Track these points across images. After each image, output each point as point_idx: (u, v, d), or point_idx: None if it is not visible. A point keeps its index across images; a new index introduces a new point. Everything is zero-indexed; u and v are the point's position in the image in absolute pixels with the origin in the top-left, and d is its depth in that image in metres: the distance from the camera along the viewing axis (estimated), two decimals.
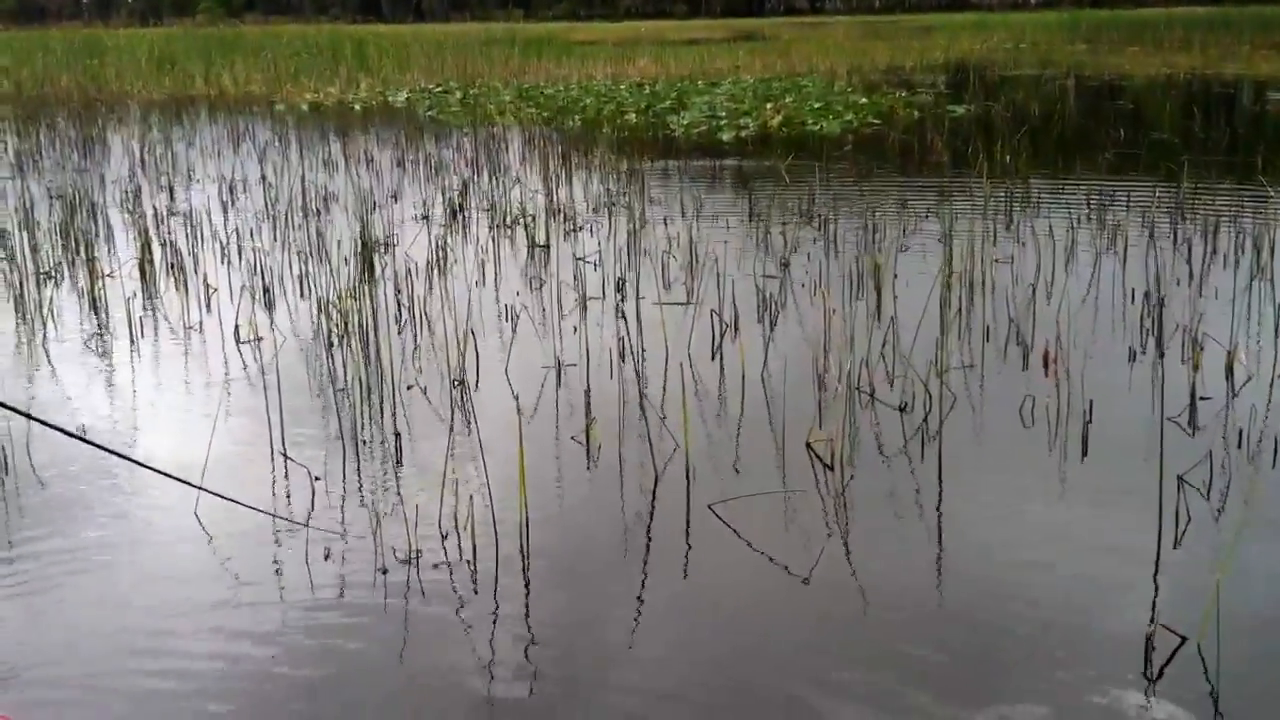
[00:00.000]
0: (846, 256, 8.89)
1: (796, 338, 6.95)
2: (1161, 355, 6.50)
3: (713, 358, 6.72)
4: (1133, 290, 7.61)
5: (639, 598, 4.13)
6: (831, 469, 5.06)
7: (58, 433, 3.54)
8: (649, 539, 4.56)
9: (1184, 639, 3.65)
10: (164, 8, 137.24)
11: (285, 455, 5.29)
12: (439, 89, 26.95)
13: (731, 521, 4.59)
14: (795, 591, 4.14)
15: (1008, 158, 12.88)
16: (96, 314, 7.97)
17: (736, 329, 7.13)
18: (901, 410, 5.72)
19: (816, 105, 20.53)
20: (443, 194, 12.67)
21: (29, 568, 4.44)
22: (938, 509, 4.76)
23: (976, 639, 3.80)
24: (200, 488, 4.36)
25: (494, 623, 4.01)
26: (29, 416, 3.49)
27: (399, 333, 7.34)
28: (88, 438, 3.24)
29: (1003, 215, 10.39)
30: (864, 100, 21.29)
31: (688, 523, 4.65)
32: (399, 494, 4.85)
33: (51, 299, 8.31)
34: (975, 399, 5.94)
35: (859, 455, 5.21)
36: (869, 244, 9.15)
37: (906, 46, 39.98)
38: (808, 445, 5.28)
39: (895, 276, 7.95)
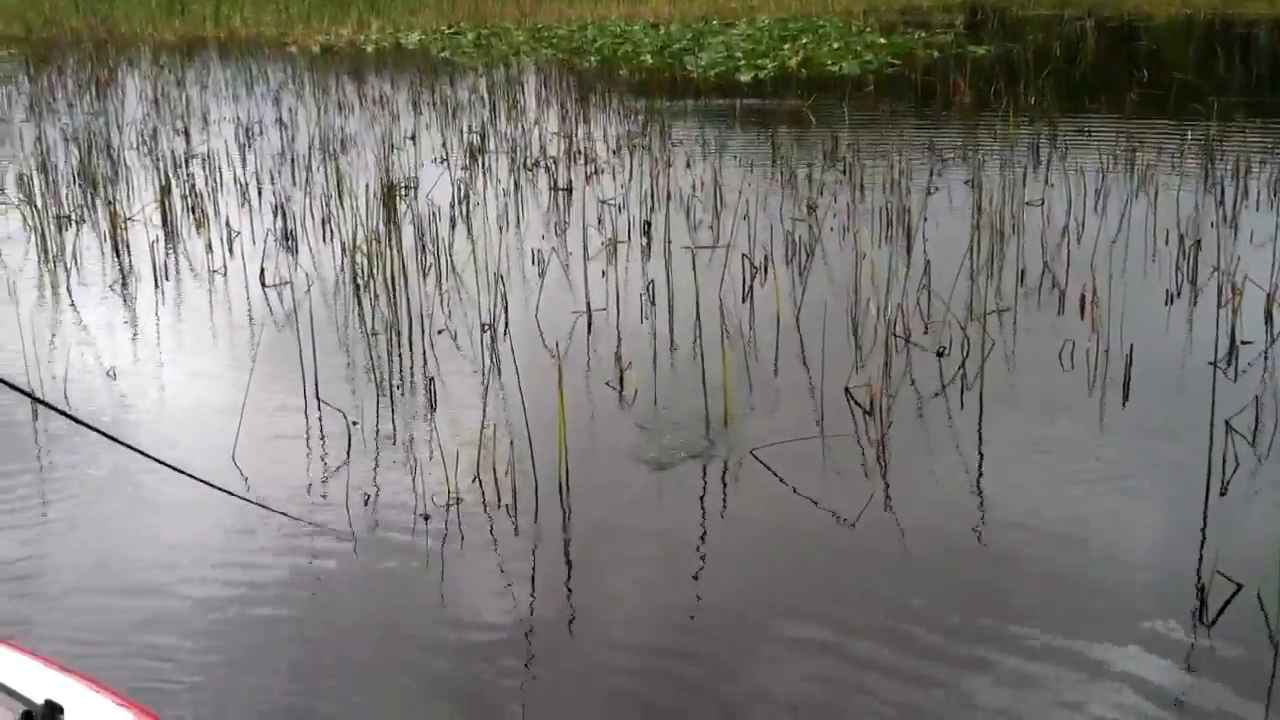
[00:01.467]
0: (874, 199, 8.78)
1: (828, 281, 6.88)
2: (1197, 299, 6.42)
3: (743, 301, 6.66)
4: (1166, 232, 7.51)
5: (682, 542, 4.10)
6: (871, 414, 5.01)
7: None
8: (690, 484, 4.52)
9: (1239, 586, 3.60)
10: None
11: (320, 400, 5.25)
12: (450, 30, 26.67)
13: (774, 466, 4.55)
14: (838, 535, 4.11)
15: (1032, 99, 12.72)
16: (119, 258, 7.92)
17: (767, 272, 7.05)
18: (939, 355, 5.66)
19: (835, 46, 20.28)
20: (461, 136, 12.55)
21: (63, 504, 4.42)
22: (978, 453, 4.71)
23: (1020, 583, 3.77)
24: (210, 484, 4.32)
25: (534, 567, 3.99)
26: (35, 399, 3.41)
27: (425, 276, 7.27)
28: (95, 427, 3.19)
29: (1030, 157, 10.26)
30: (882, 41, 21.02)
31: (728, 467, 4.61)
32: (436, 439, 4.80)
33: (74, 243, 8.25)
34: (1012, 343, 5.88)
35: (898, 400, 5.16)
36: (896, 186, 9.04)
37: None
38: (846, 390, 5.22)
39: (925, 219, 7.86)
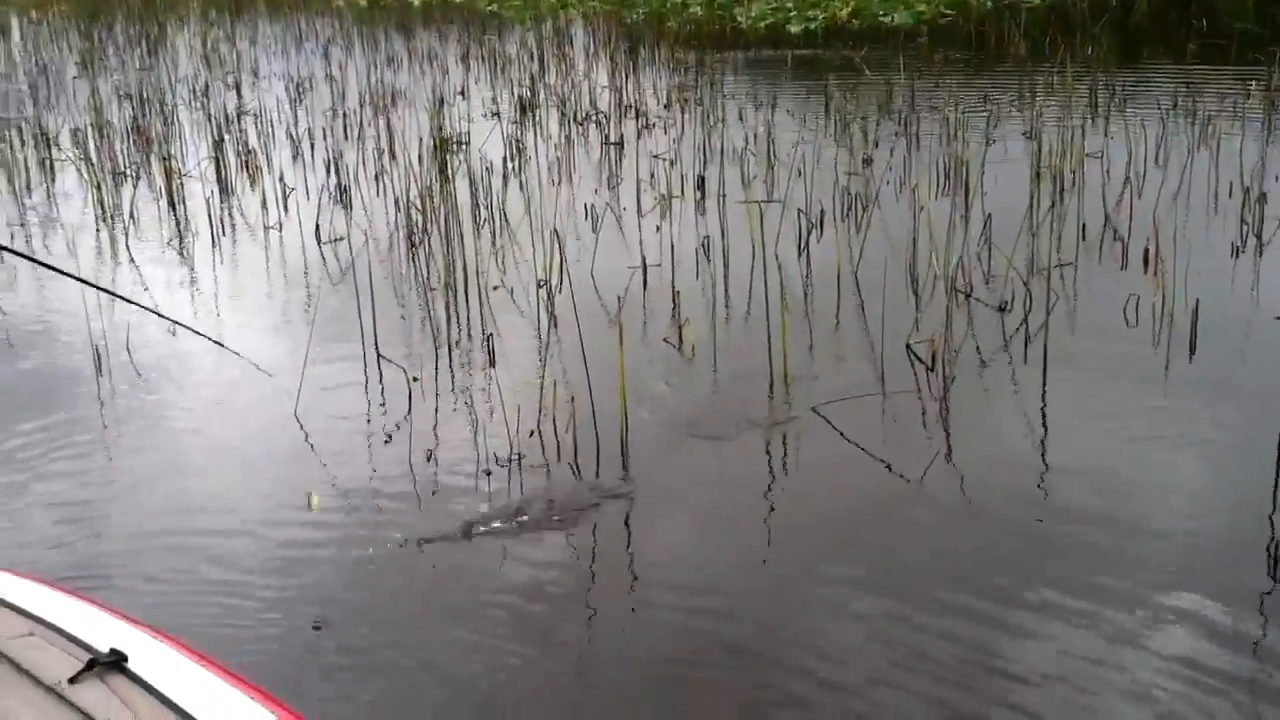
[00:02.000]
0: (930, 152, 8.67)
1: (885, 236, 6.80)
2: (1263, 251, 6.31)
3: (800, 256, 6.60)
4: (1230, 184, 7.37)
5: (743, 499, 4.09)
6: (933, 370, 4.96)
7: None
8: (752, 440, 4.50)
9: None
10: None
11: (380, 356, 5.26)
12: None
13: (836, 423, 4.52)
14: (902, 492, 4.09)
15: (1089, 49, 12.51)
16: (175, 214, 7.96)
17: (823, 227, 6.99)
18: (1001, 310, 5.59)
19: None
20: (511, 90, 12.51)
21: (129, 453, 4.47)
22: (1042, 409, 4.67)
23: (1085, 539, 3.73)
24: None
25: (596, 523, 4.00)
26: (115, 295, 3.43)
27: (479, 232, 7.26)
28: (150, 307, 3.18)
29: (1088, 109, 10.09)
30: None
31: (790, 424, 4.59)
32: (496, 395, 4.80)
33: (130, 199, 8.30)
34: (1075, 298, 5.80)
35: (960, 355, 5.10)
36: (953, 139, 8.92)
37: None
38: (907, 346, 5.18)
39: (983, 172, 7.74)
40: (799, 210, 7.01)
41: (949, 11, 18.26)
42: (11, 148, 9.88)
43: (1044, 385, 4.84)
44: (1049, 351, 5.06)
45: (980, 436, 4.50)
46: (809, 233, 6.88)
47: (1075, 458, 4.26)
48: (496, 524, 3.93)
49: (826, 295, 5.95)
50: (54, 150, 9.78)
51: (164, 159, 8.89)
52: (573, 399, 4.52)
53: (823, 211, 7.14)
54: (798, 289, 6.06)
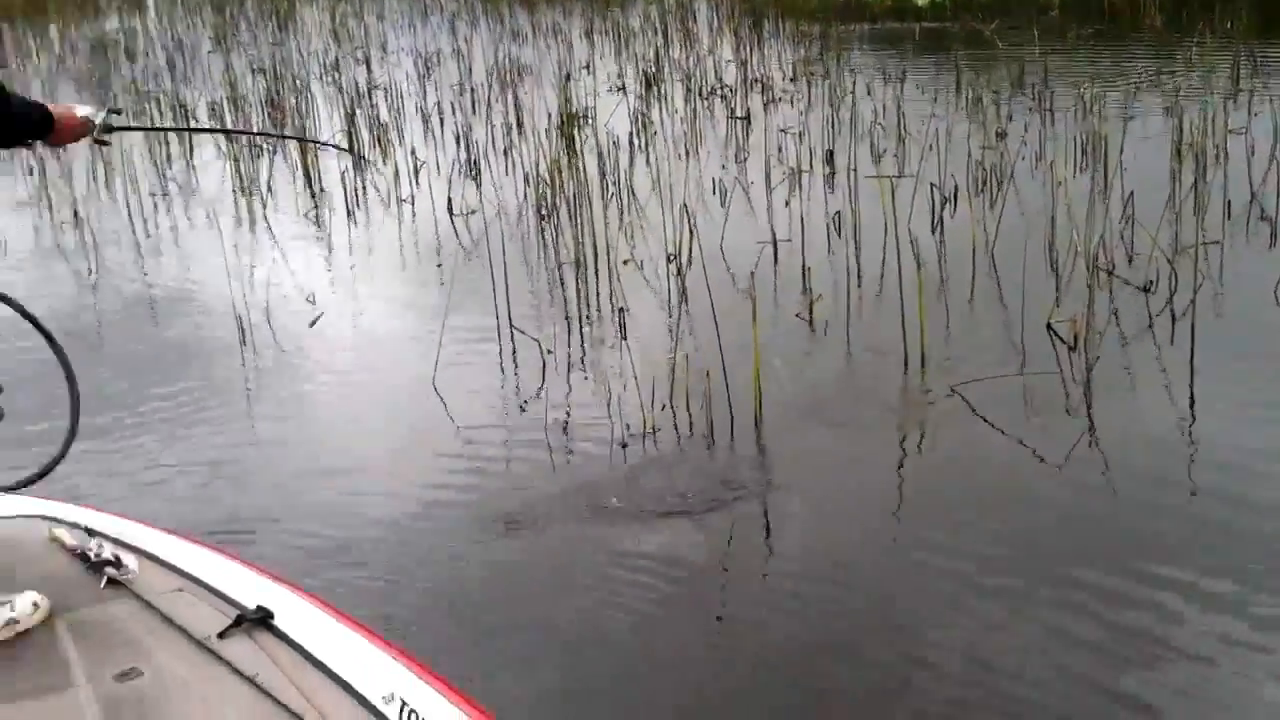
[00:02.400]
0: (1066, 126, 8.46)
1: (1021, 212, 6.65)
2: None
3: (933, 232, 6.50)
4: None
5: (880, 478, 4.05)
6: (1075, 350, 4.85)
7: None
8: (889, 419, 4.46)
9: None
10: None
11: (514, 328, 5.31)
12: None
13: (975, 403, 4.45)
14: (1044, 474, 4.01)
15: (1228, 23, 12.08)
16: (310, 186, 8.10)
17: (956, 202, 6.88)
18: (1145, 289, 5.45)
19: None
20: (635, 64, 12.51)
21: (273, 419, 4.58)
22: (1189, 391, 4.53)
23: (1233, 524, 3.62)
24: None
25: (733, 500, 3.98)
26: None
27: (607, 206, 7.27)
28: None
29: (1229, 83, 9.76)
30: None
31: (928, 403, 4.53)
32: (629, 368, 4.81)
33: (267, 171, 8.47)
34: (1222, 277, 5.62)
35: (1103, 336, 4.97)
36: (1089, 113, 8.69)
37: None
38: (1048, 325, 5.07)
39: (1121, 148, 7.53)
40: (932, 185, 6.89)
41: None
42: (151, 120, 10.14)
43: (1191, 367, 4.70)
44: (1195, 332, 4.91)
45: (1125, 419, 4.39)
46: (942, 208, 6.77)
47: (1223, 441, 4.13)
48: (631, 497, 3.95)
49: (962, 272, 5.85)
50: (192, 122, 10.02)
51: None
52: (707, 374, 4.50)
53: (956, 187, 7.02)
54: (932, 265, 5.96)
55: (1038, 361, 4.78)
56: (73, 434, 3.61)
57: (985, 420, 4.35)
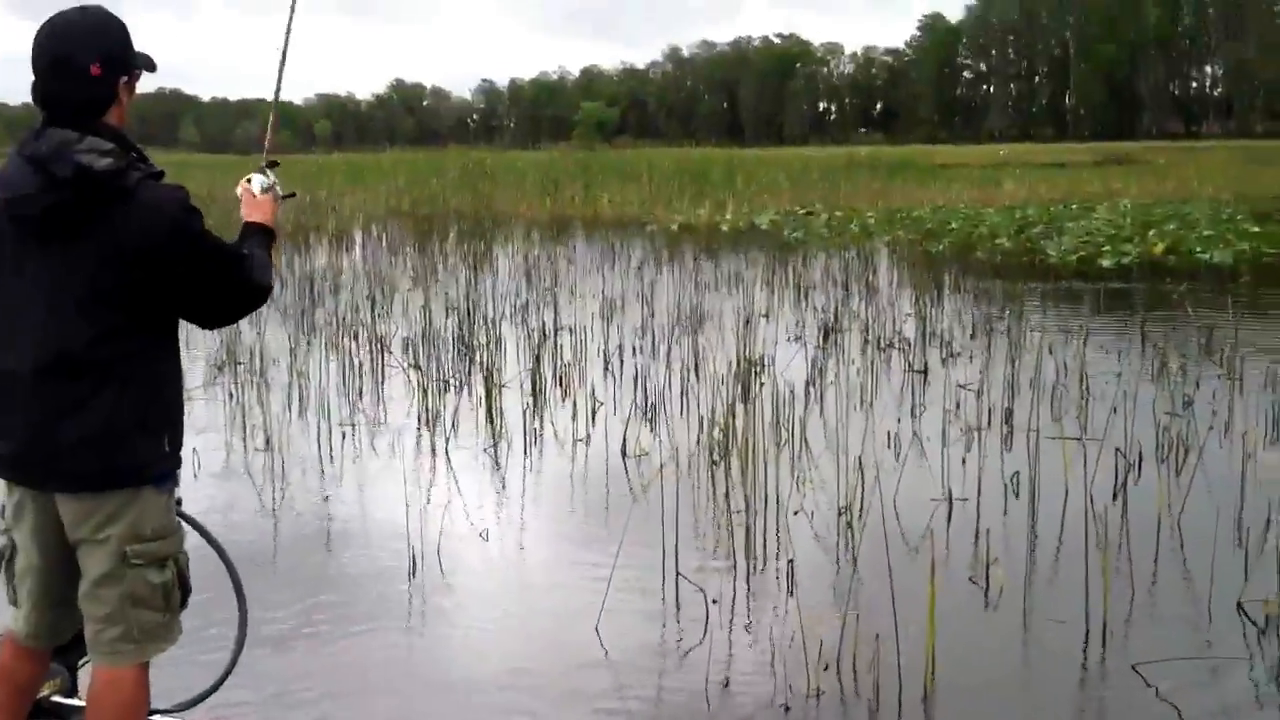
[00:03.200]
0: (1256, 396, 8.24)
1: (1209, 484, 6.43)
2: None
3: (1114, 499, 6.31)
4: None
5: None
6: (1265, 633, 4.59)
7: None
8: (1067, 695, 4.26)
9: None
10: (542, 132, 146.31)
11: (679, 574, 5.29)
12: (803, 211, 27.28)
13: (1158, 684, 4.22)
14: None
15: None
16: (492, 423, 8.33)
17: (1140, 470, 6.69)
18: None
19: (1205, 233, 19.42)
20: (813, 314, 12.70)
21: (429, 653, 4.61)
22: None
23: None
24: None
25: None
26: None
27: (779, 454, 7.27)
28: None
29: None
30: (1256, 229, 19.97)
31: (1108, 682, 4.31)
32: (796, 624, 4.73)
33: (455, 407, 8.77)
34: None
35: None
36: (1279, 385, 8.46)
37: None
38: (1238, 605, 4.82)
39: None
40: (1116, 450, 6.73)
41: (1273, 251, 17.57)
42: (347, 353, 10.65)
43: None
44: None
45: None
46: (1126, 475, 6.58)
47: None
48: None
49: (1145, 543, 5.63)
50: (386, 356, 10.48)
51: (485, 370, 9.37)
52: (876, 637, 4.39)
53: (1141, 453, 6.85)
54: (1114, 534, 5.76)
55: (1225, 644, 4.54)
56: (238, 653, 3.71)
57: (1167, 702, 4.11)
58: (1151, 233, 19.56)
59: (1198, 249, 17.74)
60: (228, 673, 3.73)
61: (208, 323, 3.18)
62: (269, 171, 3.44)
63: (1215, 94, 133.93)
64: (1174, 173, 36.62)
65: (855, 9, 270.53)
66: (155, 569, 3.04)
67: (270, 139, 3.65)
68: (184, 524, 3.26)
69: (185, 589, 3.16)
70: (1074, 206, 25.64)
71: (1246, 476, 6.30)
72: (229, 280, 3.05)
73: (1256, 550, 5.46)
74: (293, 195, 3.59)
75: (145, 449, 3.00)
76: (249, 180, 3.37)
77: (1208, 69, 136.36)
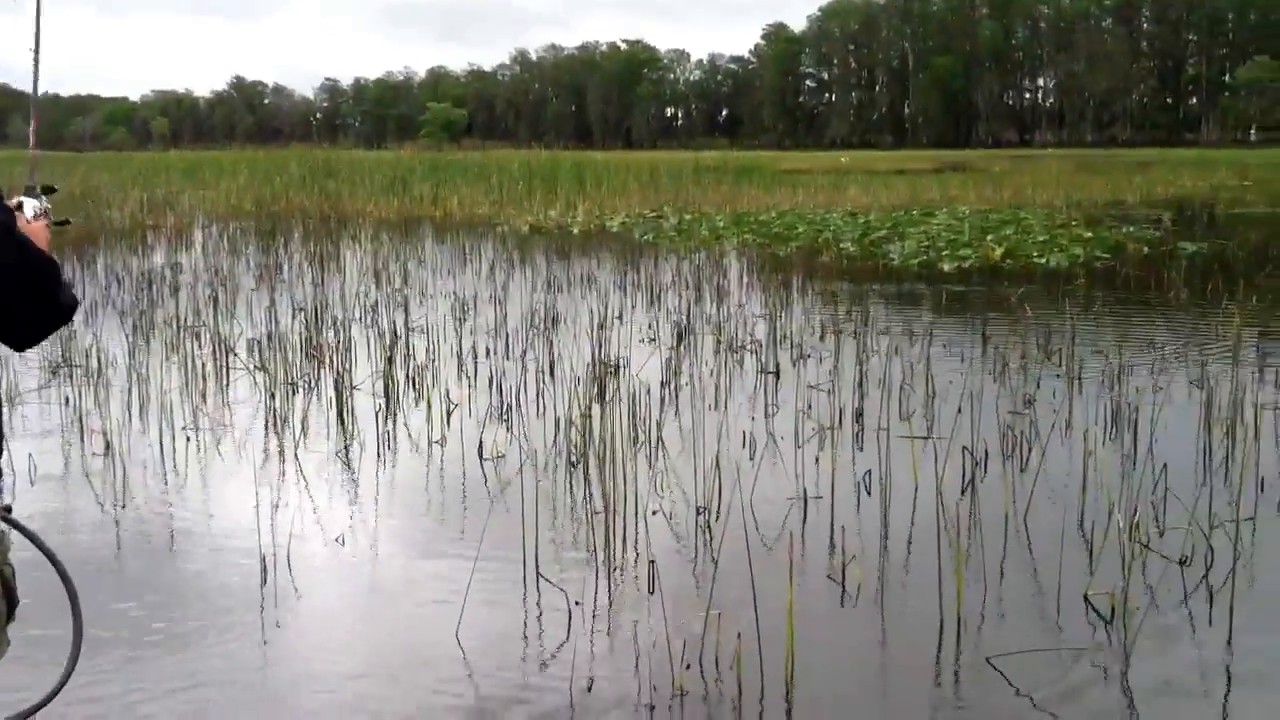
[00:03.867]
0: (1095, 395, 8.54)
1: (1052, 479, 6.64)
2: None
3: (963, 494, 6.47)
4: None
5: None
6: (1112, 624, 4.75)
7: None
8: (924, 692, 4.33)
9: None
10: (388, 132, 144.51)
11: (540, 576, 5.25)
12: (653, 214, 27.41)
13: (1012, 677, 4.33)
14: None
15: (1253, 298, 12.30)
16: (343, 425, 8.16)
17: (986, 467, 6.87)
18: (1182, 564, 5.37)
19: (1040, 238, 20.10)
20: (666, 316, 12.76)
21: (283, 662, 4.48)
22: (1226, 671, 4.42)
23: None
24: None
25: None
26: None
27: (636, 455, 7.27)
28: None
29: (1257, 358, 9.88)
30: (1088, 235, 20.76)
31: (963, 676, 4.41)
32: (659, 624, 4.72)
33: (302, 409, 8.56)
34: (1255, 554, 5.55)
35: (1142, 611, 4.87)
36: (1117, 383, 8.77)
37: (1125, 182, 38.95)
38: (1085, 597, 4.98)
39: (1153, 420, 7.55)
40: (963, 448, 6.90)
41: (1104, 255, 18.28)
42: (189, 354, 10.33)
43: (1229, 644, 4.60)
44: (1234, 611, 4.83)
45: (1165, 695, 4.26)
46: (973, 472, 6.75)
47: None
48: None
49: (994, 538, 5.78)
50: (230, 358, 10.19)
51: (335, 372, 9.18)
52: (739, 636, 4.40)
53: (987, 451, 7.03)
54: (963, 530, 5.90)
55: (1074, 634, 4.68)
56: (73, 665, 3.53)
57: (1021, 694, 4.22)
58: (989, 238, 20.17)
59: (1034, 254, 18.35)
60: (61, 685, 3.55)
61: (17, 339, 2.92)
62: (42, 196, 3.08)
63: (1048, 105, 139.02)
64: (1009, 180, 37.82)
65: (700, 18, 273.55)
66: None
67: (34, 144, 3.28)
68: (12, 533, 3.09)
69: (11, 600, 2.99)
70: (915, 212, 26.29)
71: (1088, 472, 6.52)
72: (42, 288, 2.80)
73: (1099, 544, 5.63)
74: (66, 223, 3.26)
75: None
76: (18, 205, 2.96)
77: (1040, 81, 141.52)
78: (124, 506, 6.51)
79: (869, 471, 6.74)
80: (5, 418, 2.92)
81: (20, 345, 2.89)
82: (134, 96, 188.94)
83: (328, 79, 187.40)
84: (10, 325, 2.79)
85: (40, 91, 3.15)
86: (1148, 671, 4.42)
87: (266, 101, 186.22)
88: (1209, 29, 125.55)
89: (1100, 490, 6.25)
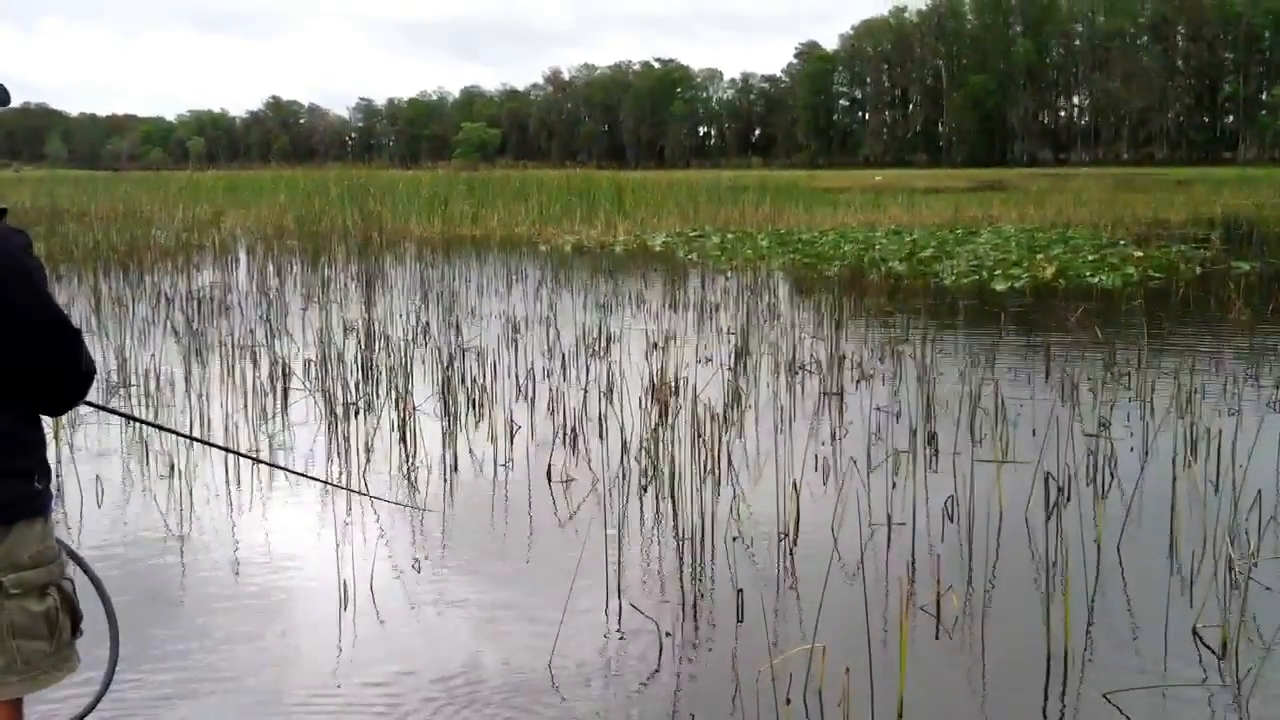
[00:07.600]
0: (1171, 418, 8.35)
1: (1138, 506, 6.47)
2: None
3: (1048, 520, 6.30)
4: None
5: None
6: (1224, 659, 4.59)
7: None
8: None
9: None
10: (421, 152, 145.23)
11: (630, 605, 5.12)
12: (695, 233, 27.29)
13: (1133, 715, 4.17)
14: None
15: None
16: (405, 448, 8.07)
17: (1069, 492, 6.71)
18: None
19: (1091, 258, 19.88)
20: (721, 336, 12.65)
21: (359, 688, 4.37)
22: None
23: None
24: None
25: None
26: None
27: (704, 479, 7.13)
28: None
29: None
30: (1139, 253, 20.52)
31: (1080, 713, 4.25)
32: (753, 655, 4.59)
33: (364, 431, 8.47)
34: None
35: (1253, 645, 4.70)
36: (1191, 404, 8.59)
37: (1167, 200, 38.63)
38: (1194, 631, 4.82)
39: (1234, 444, 7.36)
40: (1046, 474, 6.73)
41: (1158, 275, 18.04)
42: (246, 375, 10.27)
43: None
44: None
45: None
46: (1057, 497, 6.59)
47: None
48: None
49: (1087, 567, 5.61)
50: (289, 380, 10.13)
51: (396, 394, 9.10)
52: (847, 670, 4.26)
53: (1070, 476, 6.87)
54: (1053, 558, 5.74)
55: (1186, 670, 4.52)
56: (106, 684, 3.40)
57: None
58: (1039, 257, 19.96)
59: (1086, 273, 18.14)
60: (94, 704, 3.44)
61: (51, 402, 2.88)
62: None
63: (1083, 123, 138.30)
64: (1050, 199, 37.55)
65: (732, 38, 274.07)
66: (34, 598, 2.82)
67: None
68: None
69: (75, 617, 2.94)
70: (959, 231, 26.09)
71: (1177, 499, 6.35)
72: (66, 352, 2.78)
73: (1196, 573, 5.46)
74: None
75: (13, 491, 2.79)
76: None
77: (1075, 99, 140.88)
78: (188, 532, 6.43)
79: (950, 497, 6.59)
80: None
81: (55, 408, 2.88)
82: (170, 116, 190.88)
83: (362, 98, 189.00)
84: (41, 386, 2.78)
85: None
86: (1267, 703, 4.26)
87: (302, 121, 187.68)
88: (1245, 47, 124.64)
89: (1190, 517, 6.09)
